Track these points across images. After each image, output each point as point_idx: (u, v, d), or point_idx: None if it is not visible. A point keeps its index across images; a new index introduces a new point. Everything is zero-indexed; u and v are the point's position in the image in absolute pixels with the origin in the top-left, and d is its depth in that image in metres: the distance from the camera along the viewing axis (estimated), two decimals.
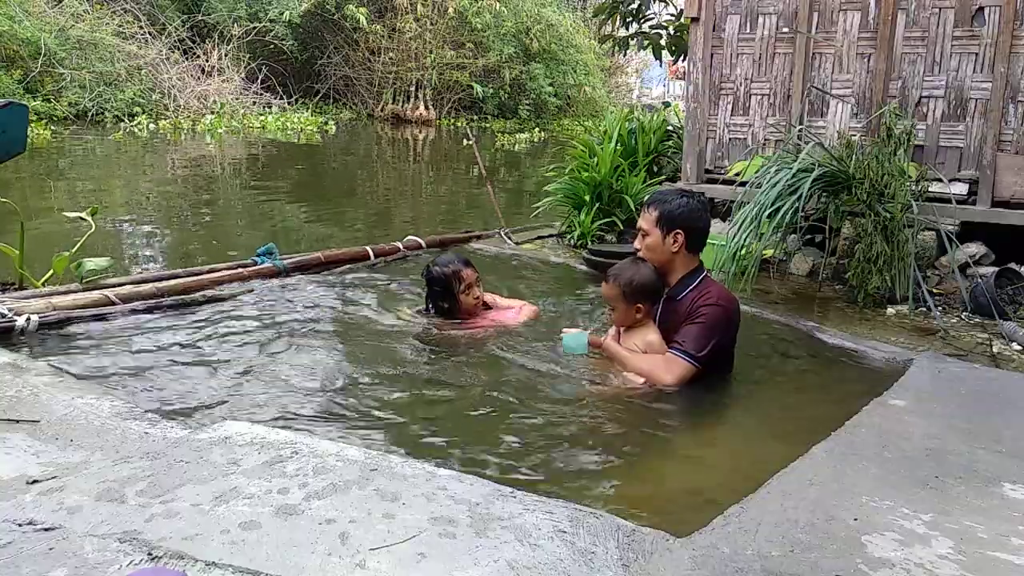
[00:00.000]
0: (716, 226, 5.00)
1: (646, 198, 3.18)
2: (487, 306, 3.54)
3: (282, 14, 15.42)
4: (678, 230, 2.93)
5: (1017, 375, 3.15)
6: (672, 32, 6.96)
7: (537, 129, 17.00)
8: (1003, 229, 4.25)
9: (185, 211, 6.77)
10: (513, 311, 3.53)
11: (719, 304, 2.91)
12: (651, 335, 2.98)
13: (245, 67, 15.29)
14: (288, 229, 6.27)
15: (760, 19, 4.97)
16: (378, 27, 16.41)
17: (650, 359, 2.91)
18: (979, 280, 3.98)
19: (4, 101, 3.78)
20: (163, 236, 5.77)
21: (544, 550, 1.66)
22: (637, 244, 3.04)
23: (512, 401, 2.72)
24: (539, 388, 2.88)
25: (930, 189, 4.28)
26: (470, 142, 6.19)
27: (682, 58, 6.79)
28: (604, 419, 2.62)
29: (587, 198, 5.49)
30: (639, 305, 2.96)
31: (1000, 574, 1.70)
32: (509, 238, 5.52)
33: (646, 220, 2.99)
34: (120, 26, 13.77)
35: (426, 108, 17.11)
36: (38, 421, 2.21)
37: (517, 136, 15.62)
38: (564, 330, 3.07)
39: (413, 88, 17.13)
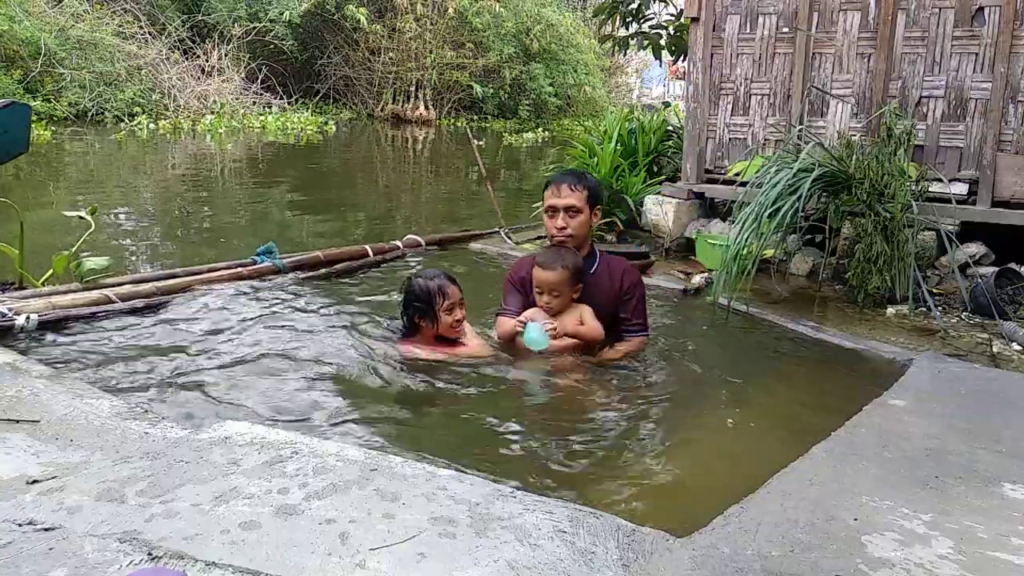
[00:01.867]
0: (717, 226, 5.01)
1: (554, 177, 3.21)
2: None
3: (282, 14, 15.42)
4: (598, 206, 3.20)
5: (1017, 375, 3.15)
6: (672, 32, 6.96)
7: (541, 129, 17.01)
8: (1003, 229, 4.25)
9: (185, 211, 6.77)
10: (468, 348, 3.14)
11: (640, 278, 3.27)
12: (584, 310, 3.10)
13: (245, 67, 15.30)
14: (288, 228, 6.27)
15: (760, 19, 4.97)
16: (378, 27, 16.42)
17: (627, 346, 3.16)
18: (979, 280, 3.98)
19: (6, 101, 3.78)
20: (163, 235, 5.77)
21: (544, 550, 1.66)
22: (562, 223, 3.09)
23: (511, 402, 2.72)
24: (536, 389, 2.88)
25: (930, 189, 4.28)
26: (479, 143, 6.18)
27: (682, 58, 6.80)
28: (603, 419, 2.62)
29: None
30: (577, 287, 3.06)
31: (1000, 574, 1.70)
32: (509, 237, 5.52)
33: (577, 198, 3.09)
34: (120, 26, 13.78)
35: (426, 108, 17.13)
36: (38, 421, 2.21)
37: (524, 136, 15.62)
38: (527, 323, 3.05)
39: (413, 88, 17.15)
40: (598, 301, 3.11)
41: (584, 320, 3.09)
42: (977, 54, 4.32)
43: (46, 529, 1.65)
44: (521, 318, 3.04)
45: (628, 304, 3.18)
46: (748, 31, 5.02)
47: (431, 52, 16.69)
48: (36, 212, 6.09)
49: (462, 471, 2.04)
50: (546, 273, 3.01)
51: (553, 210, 3.11)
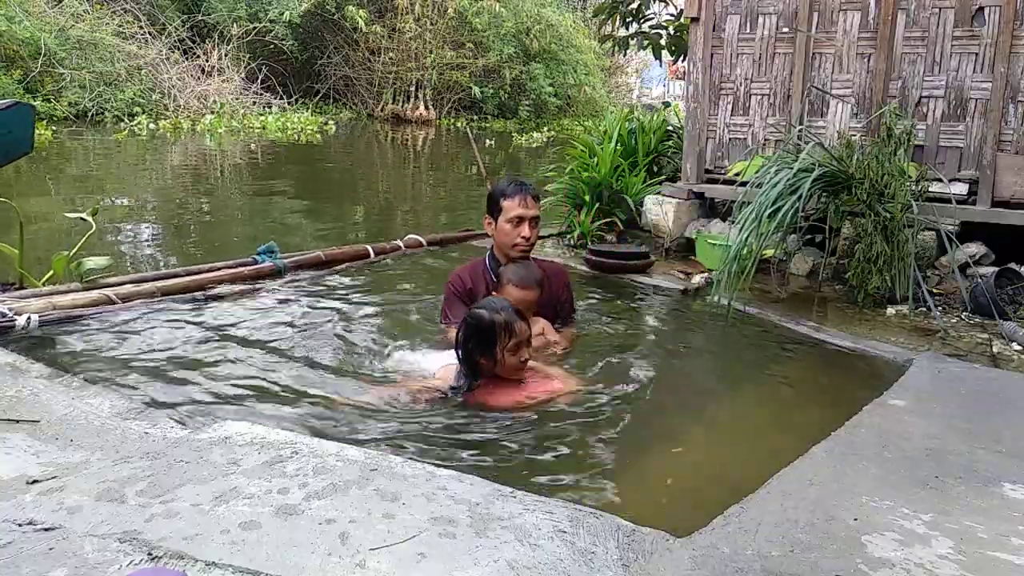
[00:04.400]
0: (717, 226, 5.01)
1: (516, 188, 3.29)
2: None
3: (282, 14, 15.42)
4: None
5: (1017, 375, 3.15)
6: (672, 32, 6.96)
7: (546, 128, 17.03)
8: (1003, 229, 4.25)
9: (185, 210, 6.77)
10: (555, 385, 2.79)
11: (567, 276, 3.50)
12: (544, 324, 3.18)
13: (245, 67, 15.30)
14: (288, 228, 6.27)
15: (760, 19, 4.97)
16: (378, 27, 16.42)
17: (568, 341, 3.28)
18: (979, 280, 3.98)
19: (10, 101, 3.78)
20: (163, 235, 5.77)
21: (544, 550, 1.66)
22: (527, 233, 3.22)
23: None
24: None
25: (930, 189, 4.27)
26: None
27: (682, 58, 6.80)
28: (602, 420, 2.62)
29: (587, 198, 5.49)
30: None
31: (1000, 574, 1.70)
32: None
33: (536, 208, 3.26)
34: (120, 26, 13.77)
35: (426, 108, 17.13)
36: (38, 421, 2.21)
37: (532, 135, 15.62)
38: None
39: (413, 88, 17.15)
40: (543, 308, 3.22)
41: (548, 334, 3.17)
42: (977, 54, 4.32)
43: (46, 529, 1.65)
44: None
45: (564, 305, 3.41)
46: (748, 31, 5.02)
47: (431, 52, 16.69)
48: (36, 212, 6.09)
49: (462, 471, 2.04)
50: (526, 292, 3.05)
51: (521, 220, 3.21)
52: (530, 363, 2.76)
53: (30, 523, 1.67)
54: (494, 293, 3.17)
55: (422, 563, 1.59)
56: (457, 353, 2.70)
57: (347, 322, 3.55)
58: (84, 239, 3.92)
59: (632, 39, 7.30)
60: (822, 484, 2.07)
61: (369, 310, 3.75)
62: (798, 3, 4.79)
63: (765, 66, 4.99)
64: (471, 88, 17.06)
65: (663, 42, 7.05)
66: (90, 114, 12.68)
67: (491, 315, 2.63)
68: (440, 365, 2.86)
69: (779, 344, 3.56)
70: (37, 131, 10.36)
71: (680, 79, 16.26)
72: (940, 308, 3.97)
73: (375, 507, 1.79)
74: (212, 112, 14.03)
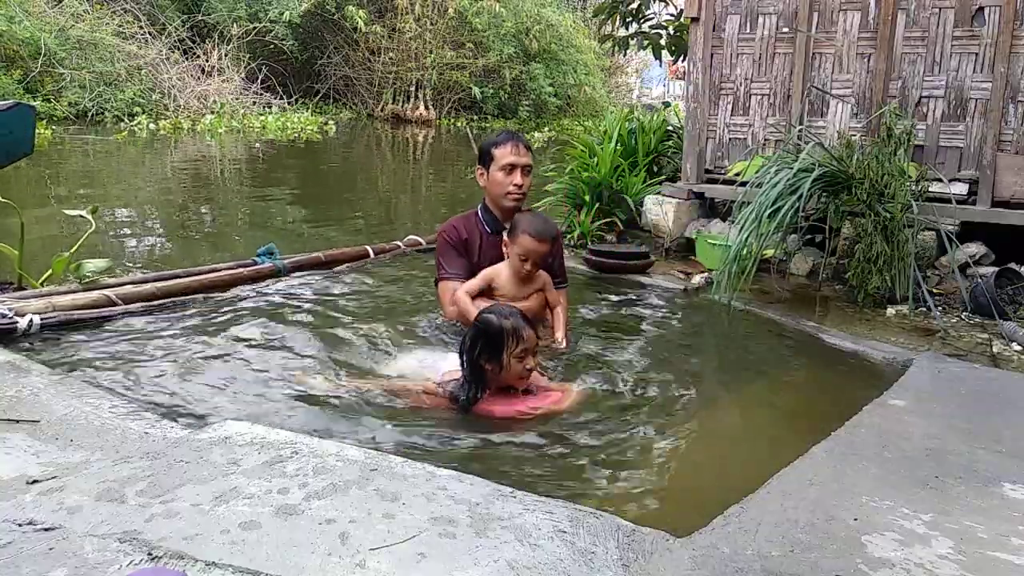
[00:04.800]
0: (717, 226, 5.01)
1: (507, 136, 3.29)
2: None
3: (282, 14, 15.43)
4: None
5: (1017, 375, 3.15)
6: (672, 32, 6.97)
7: (547, 128, 17.05)
8: (1003, 229, 4.25)
9: (185, 211, 6.77)
10: (556, 396, 2.73)
11: (559, 232, 3.44)
12: (544, 276, 3.22)
13: (245, 67, 15.31)
14: (288, 228, 6.26)
15: (760, 19, 4.97)
16: (378, 27, 16.43)
17: (564, 311, 3.28)
18: (979, 280, 3.98)
19: (11, 102, 3.78)
20: (163, 236, 5.77)
21: (544, 550, 1.66)
22: (520, 181, 3.21)
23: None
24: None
25: (930, 189, 4.28)
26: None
27: (682, 58, 6.80)
28: (603, 418, 2.62)
29: (587, 198, 5.50)
30: None
31: (1000, 574, 1.70)
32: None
33: (530, 158, 3.24)
34: (120, 26, 13.78)
35: (426, 108, 17.15)
36: (38, 421, 2.21)
37: (533, 135, 15.63)
38: None
39: (413, 88, 17.17)
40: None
41: (548, 291, 3.21)
42: (977, 54, 4.32)
43: (46, 529, 1.65)
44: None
45: (557, 259, 3.37)
46: (748, 31, 5.02)
47: (431, 52, 16.70)
48: (36, 212, 6.08)
49: (462, 471, 2.04)
50: (541, 246, 3.06)
51: (513, 167, 3.21)
52: (536, 378, 2.73)
53: (30, 523, 1.67)
54: (506, 240, 3.15)
55: (422, 563, 1.59)
56: (461, 361, 2.68)
57: (347, 323, 3.54)
58: (84, 238, 3.91)
59: (632, 39, 7.31)
60: (822, 484, 2.07)
61: (370, 311, 3.75)
62: (798, 3, 4.79)
63: (765, 66, 4.99)
64: (471, 88, 17.08)
65: (663, 42, 7.06)
66: (90, 114, 12.68)
67: (500, 321, 2.62)
68: (442, 372, 2.85)
69: (779, 344, 3.56)
70: (37, 131, 10.39)
71: (680, 79, 16.28)
72: (940, 308, 3.97)
73: (375, 507, 1.79)
74: (212, 112, 14.04)
